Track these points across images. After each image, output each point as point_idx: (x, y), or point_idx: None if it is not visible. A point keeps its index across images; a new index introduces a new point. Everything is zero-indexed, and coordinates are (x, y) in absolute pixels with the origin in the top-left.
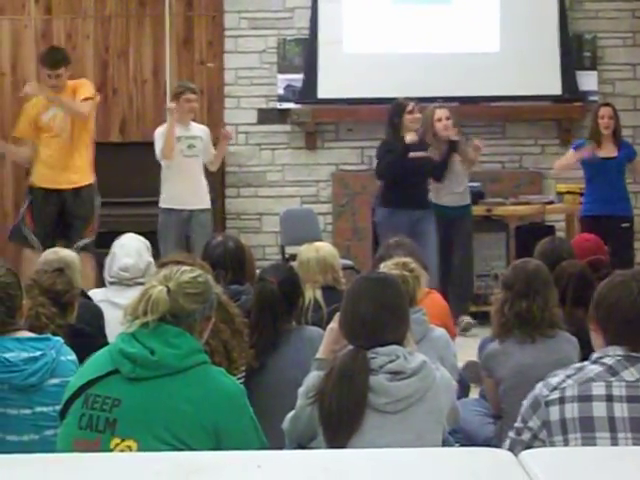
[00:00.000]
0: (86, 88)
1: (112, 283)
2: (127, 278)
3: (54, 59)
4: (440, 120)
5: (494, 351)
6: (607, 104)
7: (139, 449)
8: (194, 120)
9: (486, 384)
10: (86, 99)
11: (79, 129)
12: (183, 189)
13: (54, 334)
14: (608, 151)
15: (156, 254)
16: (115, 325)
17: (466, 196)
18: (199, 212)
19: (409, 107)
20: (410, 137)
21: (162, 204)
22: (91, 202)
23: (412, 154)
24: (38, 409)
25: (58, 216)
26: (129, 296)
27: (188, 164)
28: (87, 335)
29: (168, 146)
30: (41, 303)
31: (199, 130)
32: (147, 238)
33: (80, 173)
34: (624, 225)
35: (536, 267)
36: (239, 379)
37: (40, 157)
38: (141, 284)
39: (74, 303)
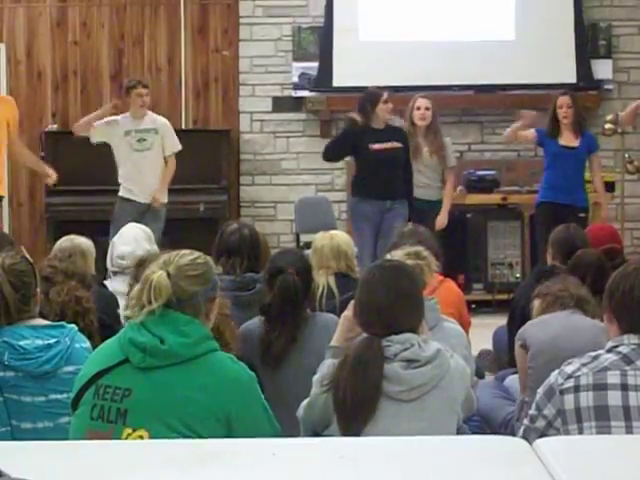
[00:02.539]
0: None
1: (115, 273)
2: (126, 266)
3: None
4: (419, 109)
5: (535, 320)
6: (565, 93)
7: (151, 438)
8: (154, 112)
9: (518, 359)
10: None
11: None
12: (137, 182)
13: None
14: (568, 140)
15: (106, 241)
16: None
17: (437, 191)
18: (152, 206)
19: (384, 96)
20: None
21: (120, 193)
22: None
23: (377, 146)
24: (52, 396)
25: None
26: (129, 287)
27: (138, 158)
28: (105, 325)
29: (83, 123)
30: (75, 287)
31: (154, 123)
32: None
33: None
34: (581, 215)
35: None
36: None
37: None
38: None
39: (90, 290)
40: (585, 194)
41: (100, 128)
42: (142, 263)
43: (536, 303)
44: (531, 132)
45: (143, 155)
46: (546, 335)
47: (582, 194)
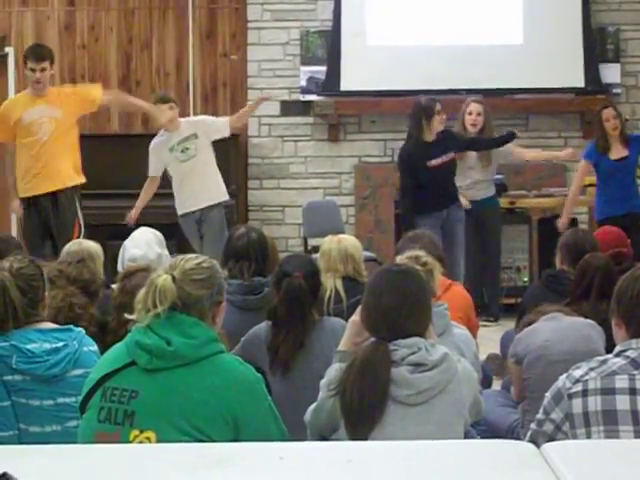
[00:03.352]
0: (91, 86)
1: None
2: None
3: (40, 52)
4: (471, 114)
5: (521, 334)
6: (607, 106)
7: (158, 440)
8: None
9: (513, 374)
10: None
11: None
12: (191, 193)
13: (89, 324)
14: (618, 152)
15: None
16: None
17: (485, 190)
18: (208, 209)
19: (438, 107)
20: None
21: (179, 212)
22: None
23: (433, 162)
24: (60, 400)
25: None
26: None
27: (188, 168)
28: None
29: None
30: (72, 293)
31: (190, 128)
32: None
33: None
34: None
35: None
36: None
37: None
38: None
39: (99, 293)
40: (638, 197)
41: (153, 164)
42: (128, 276)
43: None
44: (583, 163)
45: (190, 164)
46: (536, 344)
47: (637, 198)
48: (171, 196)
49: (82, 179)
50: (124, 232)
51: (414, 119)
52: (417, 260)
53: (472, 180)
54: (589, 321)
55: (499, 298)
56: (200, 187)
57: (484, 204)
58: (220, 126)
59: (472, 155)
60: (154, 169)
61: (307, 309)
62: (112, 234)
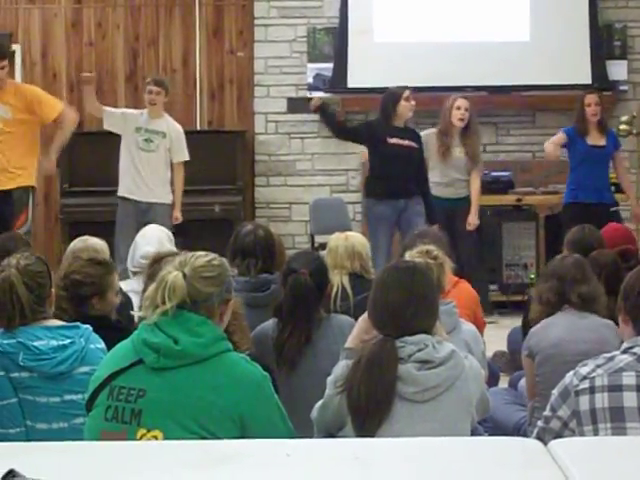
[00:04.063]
0: (51, 106)
1: (135, 273)
2: None
3: (3, 49)
4: (459, 109)
5: (536, 329)
6: (592, 91)
7: (165, 439)
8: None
9: (525, 366)
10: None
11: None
12: (139, 182)
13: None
14: (596, 139)
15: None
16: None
17: (463, 189)
18: (159, 205)
19: (405, 94)
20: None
21: (119, 192)
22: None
23: (393, 140)
24: (67, 397)
25: None
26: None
27: (144, 158)
28: (119, 328)
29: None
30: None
31: (166, 127)
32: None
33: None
34: (613, 209)
35: (577, 258)
36: None
37: None
38: None
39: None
40: (611, 192)
41: (114, 116)
42: (158, 261)
43: (534, 307)
44: (560, 135)
45: (147, 156)
46: (550, 341)
47: (609, 192)
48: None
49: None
50: None
51: (382, 103)
52: (428, 254)
53: (450, 178)
54: (606, 321)
55: (485, 295)
56: (149, 181)
57: (459, 203)
58: (182, 155)
59: (455, 153)
60: (111, 116)
61: (313, 306)
62: None
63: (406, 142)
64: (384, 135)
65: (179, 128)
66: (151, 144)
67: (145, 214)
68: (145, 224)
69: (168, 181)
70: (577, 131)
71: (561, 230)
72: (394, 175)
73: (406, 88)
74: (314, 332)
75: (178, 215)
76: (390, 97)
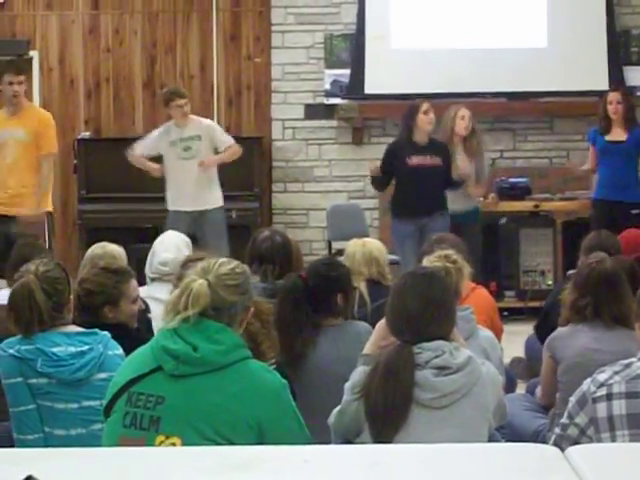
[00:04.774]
0: (51, 144)
1: (153, 279)
2: (167, 273)
3: (19, 65)
4: (463, 118)
5: (562, 333)
6: (616, 89)
7: (183, 446)
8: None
9: (545, 367)
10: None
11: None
12: (186, 192)
13: None
14: (616, 135)
15: (139, 249)
16: (159, 320)
17: (468, 201)
18: (210, 212)
19: (423, 107)
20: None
21: (170, 207)
22: None
23: (414, 160)
24: (85, 403)
25: None
26: (170, 291)
27: (187, 167)
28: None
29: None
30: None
31: (196, 128)
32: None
33: None
34: (634, 211)
35: (612, 267)
36: None
37: None
38: None
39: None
40: (638, 189)
41: (151, 147)
42: (188, 264)
43: (564, 313)
44: (590, 148)
45: (190, 163)
46: (576, 350)
47: (633, 190)
48: None
49: None
50: (148, 235)
51: (402, 118)
52: (447, 258)
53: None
54: (633, 333)
55: None
56: (193, 189)
57: (466, 215)
58: (225, 140)
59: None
60: (143, 148)
61: (302, 310)
62: (136, 237)
63: (428, 160)
64: (404, 156)
65: (208, 122)
66: (190, 151)
67: (196, 222)
68: (197, 232)
69: (216, 183)
70: (599, 129)
71: (579, 235)
72: (414, 195)
73: (424, 101)
74: (325, 338)
75: (208, 161)
76: (409, 112)
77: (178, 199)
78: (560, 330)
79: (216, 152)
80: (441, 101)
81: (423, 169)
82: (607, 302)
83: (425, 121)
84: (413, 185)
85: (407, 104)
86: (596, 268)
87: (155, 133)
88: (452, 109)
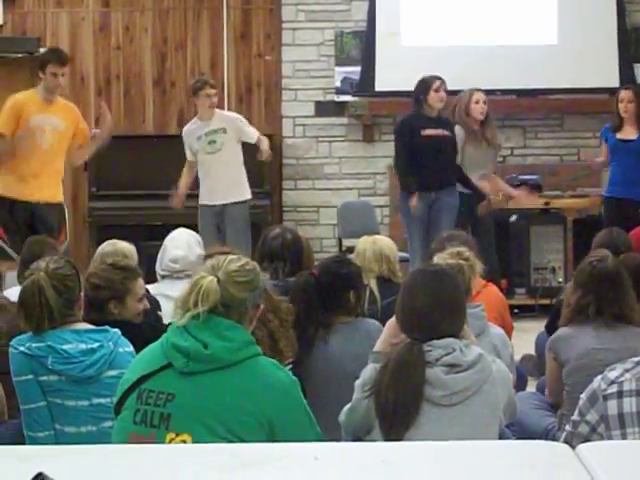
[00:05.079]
0: (86, 129)
1: (164, 277)
2: (177, 270)
3: (64, 56)
4: (478, 102)
5: (565, 334)
6: (628, 87)
7: (194, 443)
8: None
9: (549, 368)
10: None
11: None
12: (211, 186)
13: None
14: (627, 133)
15: (149, 246)
16: (170, 317)
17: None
18: (231, 206)
19: (435, 84)
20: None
21: (199, 201)
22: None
23: (427, 131)
24: (96, 401)
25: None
26: (181, 288)
27: (211, 161)
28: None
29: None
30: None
31: (221, 121)
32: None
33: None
34: None
35: (614, 265)
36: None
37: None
38: None
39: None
40: None
41: (186, 149)
42: (209, 257)
43: (565, 313)
44: (602, 144)
45: (216, 157)
46: (579, 351)
47: None
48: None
49: None
50: (158, 233)
51: (414, 94)
52: (460, 255)
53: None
54: (637, 330)
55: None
56: (220, 183)
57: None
58: (250, 133)
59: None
60: (188, 154)
61: (314, 307)
62: (146, 235)
63: (440, 131)
64: (418, 128)
65: (233, 114)
66: (214, 144)
67: (220, 216)
68: (221, 225)
69: (243, 178)
70: (611, 126)
71: (590, 233)
72: (427, 168)
73: (437, 78)
74: (335, 335)
75: (265, 147)
76: (420, 86)
77: (205, 194)
78: (562, 331)
79: (242, 144)
80: (451, 98)
81: (436, 140)
82: (609, 300)
83: (436, 99)
84: (427, 156)
85: (418, 81)
86: (597, 266)
87: (185, 127)
88: (464, 96)
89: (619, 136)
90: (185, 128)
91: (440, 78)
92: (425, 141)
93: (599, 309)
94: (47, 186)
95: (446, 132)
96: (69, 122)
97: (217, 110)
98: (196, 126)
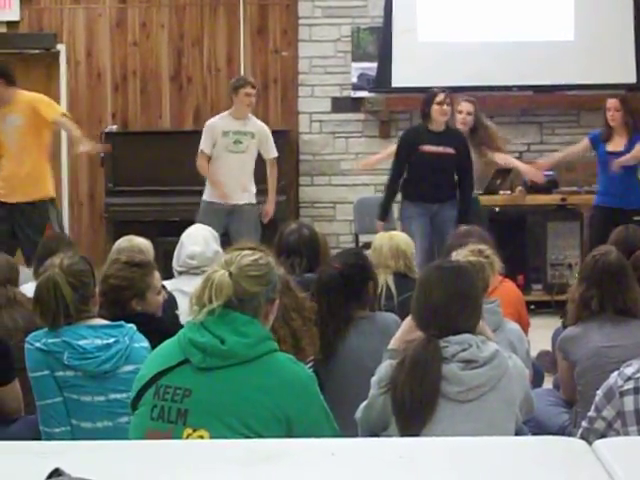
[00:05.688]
0: (53, 106)
1: (180, 273)
2: (195, 266)
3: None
4: (460, 112)
5: (572, 333)
6: (614, 96)
7: (211, 439)
8: (255, 115)
9: (560, 367)
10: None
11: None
12: (224, 182)
13: None
14: (615, 145)
15: (166, 242)
16: (186, 314)
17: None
18: (243, 206)
19: (439, 98)
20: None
21: (205, 197)
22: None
23: (426, 147)
24: (112, 396)
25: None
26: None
27: (232, 160)
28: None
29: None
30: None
31: (254, 127)
32: None
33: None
34: (636, 218)
35: (617, 259)
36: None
37: None
38: None
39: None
40: (638, 196)
41: (206, 141)
42: None
43: (571, 309)
44: (585, 141)
45: (236, 157)
46: (589, 351)
47: (633, 197)
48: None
49: None
50: (175, 229)
51: (421, 105)
52: (481, 253)
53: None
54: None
55: None
56: (234, 184)
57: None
58: (271, 149)
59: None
60: (207, 146)
61: (339, 301)
62: (162, 231)
63: (440, 149)
64: (417, 143)
65: (265, 127)
66: (240, 145)
67: (230, 215)
68: (230, 225)
69: (252, 181)
70: (601, 135)
71: (606, 229)
72: (425, 182)
73: (440, 92)
74: (354, 330)
75: (270, 210)
76: (425, 99)
77: (215, 191)
78: (569, 331)
79: (259, 156)
80: (468, 95)
81: (433, 157)
82: (612, 293)
83: (438, 112)
84: (422, 172)
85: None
86: (600, 260)
87: (211, 120)
88: (456, 102)
89: (608, 148)
90: (211, 121)
91: (445, 91)
92: (422, 157)
93: (602, 302)
94: (25, 186)
95: (448, 149)
96: (29, 112)
97: (251, 115)
98: (225, 122)
